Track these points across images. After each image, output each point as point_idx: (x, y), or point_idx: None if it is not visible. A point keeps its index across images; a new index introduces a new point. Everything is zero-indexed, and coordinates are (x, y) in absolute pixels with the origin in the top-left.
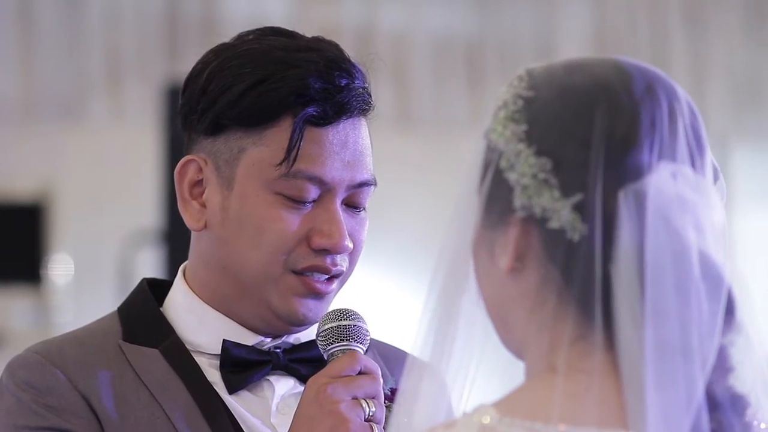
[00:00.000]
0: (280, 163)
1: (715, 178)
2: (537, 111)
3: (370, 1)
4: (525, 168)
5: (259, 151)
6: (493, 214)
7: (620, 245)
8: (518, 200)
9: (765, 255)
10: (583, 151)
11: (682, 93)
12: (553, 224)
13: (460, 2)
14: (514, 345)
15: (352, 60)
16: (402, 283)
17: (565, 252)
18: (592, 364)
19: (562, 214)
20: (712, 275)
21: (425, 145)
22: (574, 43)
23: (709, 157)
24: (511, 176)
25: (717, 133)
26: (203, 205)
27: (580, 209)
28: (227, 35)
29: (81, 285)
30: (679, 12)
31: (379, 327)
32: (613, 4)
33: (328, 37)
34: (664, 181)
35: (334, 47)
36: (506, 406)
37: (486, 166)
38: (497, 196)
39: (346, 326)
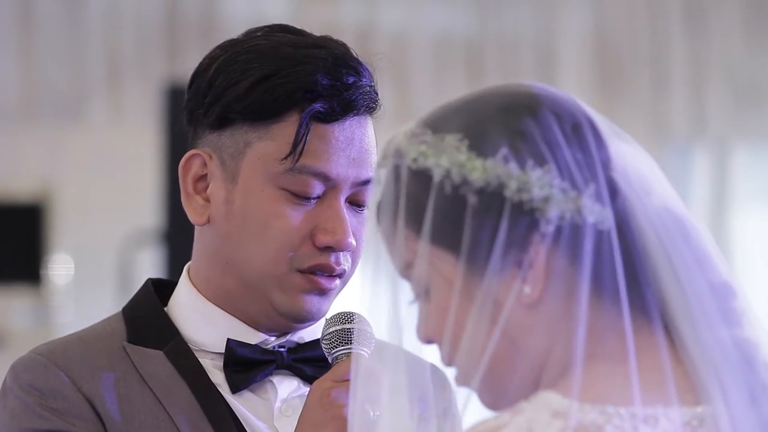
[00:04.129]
0: (286, 158)
1: None
2: (486, 138)
3: (370, 1)
4: (539, 181)
5: (265, 146)
6: (508, 251)
7: (639, 218)
8: (552, 212)
9: (765, 255)
10: (569, 149)
11: None
12: (589, 218)
13: (460, 2)
14: (526, 383)
15: (360, 59)
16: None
17: (596, 244)
18: (647, 344)
19: (588, 207)
20: (691, 221)
21: None
22: (574, 43)
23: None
24: (532, 195)
25: (717, 133)
26: (207, 200)
27: (598, 198)
28: (227, 35)
29: (81, 285)
30: (679, 12)
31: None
32: (613, 4)
33: None
34: (627, 157)
35: (342, 46)
36: (570, 390)
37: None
38: (515, 227)
39: (350, 330)
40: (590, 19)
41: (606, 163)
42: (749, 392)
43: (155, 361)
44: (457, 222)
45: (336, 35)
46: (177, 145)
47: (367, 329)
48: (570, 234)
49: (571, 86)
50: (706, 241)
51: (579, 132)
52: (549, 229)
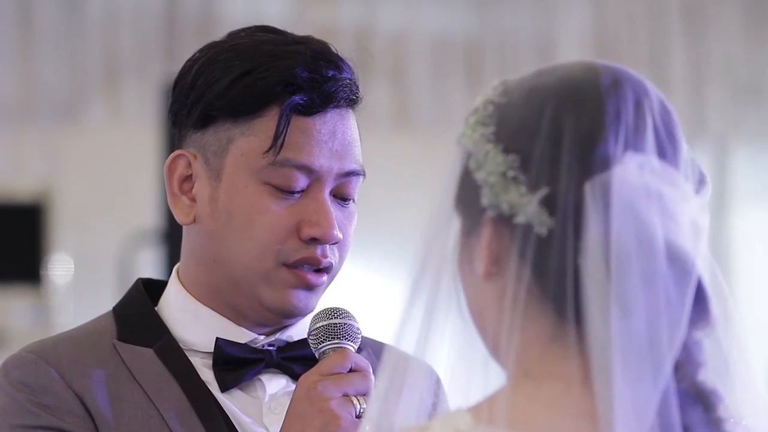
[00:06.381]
0: (267, 151)
1: (701, 182)
2: (505, 113)
3: (368, 2)
4: (492, 166)
5: (247, 141)
6: (468, 219)
7: (588, 237)
8: (485, 198)
9: (765, 255)
10: (551, 147)
11: (654, 90)
12: (520, 219)
13: (459, 2)
14: (491, 349)
15: (341, 54)
16: (401, 284)
17: (535, 247)
18: (567, 369)
19: (528, 208)
20: (680, 265)
21: (424, 145)
22: (573, 43)
23: (689, 156)
24: (479, 176)
25: (717, 133)
26: (193, 200)
27: (547, 203)
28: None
29: (81, 285)
30: (679, 12)
31: (378, 329)
32: (613, 4)
33: (326, 37)
34: (630, 171)
35: (323, 43)
36: (483, 412)
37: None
38: (468, 199)
39: (336, 324)
40: (590, 19)
41: (589, 170)
42: None
43: (145, 358)
44: (458, 185)
45: (334, 36)
46: (176, 145)
47: (353, 324)
48: (508, 228)
49: None
50: (680, 287)
51: (579, 131)
52: (489, 214)
